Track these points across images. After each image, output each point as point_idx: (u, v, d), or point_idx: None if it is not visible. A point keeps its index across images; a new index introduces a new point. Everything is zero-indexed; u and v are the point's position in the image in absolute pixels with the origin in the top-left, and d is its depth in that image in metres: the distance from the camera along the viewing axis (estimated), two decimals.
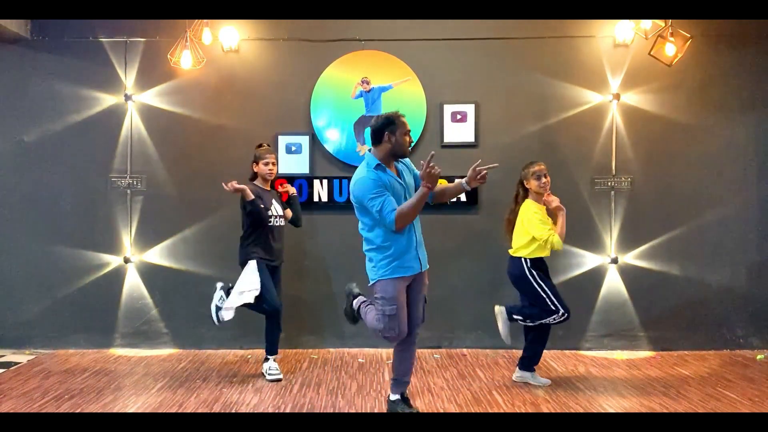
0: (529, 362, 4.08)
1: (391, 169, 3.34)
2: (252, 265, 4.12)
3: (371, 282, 3.33)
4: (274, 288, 4.19)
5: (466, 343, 4.91)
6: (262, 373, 4.23)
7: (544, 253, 4.00)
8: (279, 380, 4.14)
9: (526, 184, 4.04)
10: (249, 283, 4.08)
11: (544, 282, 3.95)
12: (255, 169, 4.27)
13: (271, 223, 4.20)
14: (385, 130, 3.29)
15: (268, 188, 4.30)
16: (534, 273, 3.95)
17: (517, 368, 4.13)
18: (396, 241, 3.24)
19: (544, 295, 3.93)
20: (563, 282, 4.95)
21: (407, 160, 3.48)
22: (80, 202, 4.98)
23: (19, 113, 4.97)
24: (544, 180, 3.97)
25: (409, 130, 3.38)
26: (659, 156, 4.97)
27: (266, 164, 4.22)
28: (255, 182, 4.28)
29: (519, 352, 4.82)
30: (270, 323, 4.18)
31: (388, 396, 3.51)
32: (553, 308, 3.92)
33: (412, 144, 3.39)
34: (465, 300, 4.88)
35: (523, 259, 3.97)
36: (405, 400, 3.47)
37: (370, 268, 3.33)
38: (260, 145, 4.33)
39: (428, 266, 3.41)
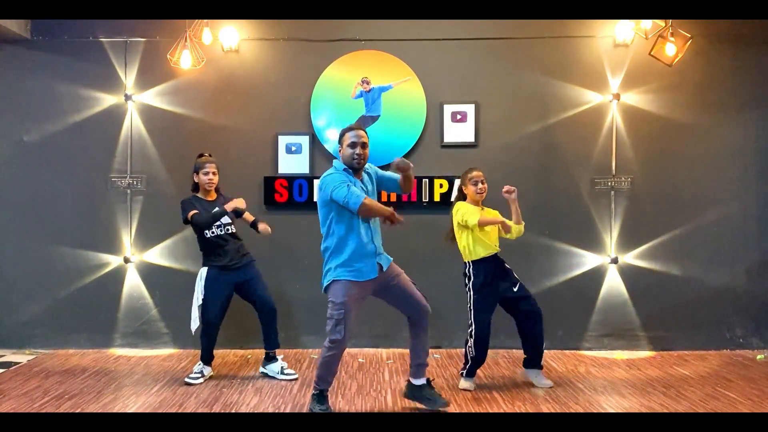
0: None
1: (357, 177, 3.44)
2: (200, 273, 4.17)
3: (323, 285, 3.45)
4: (222, 301, 4.13)
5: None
6: (264, 374, 4.23)
7: (486, 252, 3.90)
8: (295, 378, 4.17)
9: (465, 190, 3.99)
10: (196, 293, 4.16)
11: (475, 293, 3.91)
12: (195, 179, 4.18)
13: (215, 233, 4.10)
14: (338, 142, 3.47)
15: (211, 198, 4.19)
16: (471, 279, 3.92)
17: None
18: (351, 246, 3.35)
19: (469, 306, 3.95)
20: (563, 282, 4.95)
21: (373, 167, 3.56)
22: (80, 202, 4.98)
23: (19, 113, 4.97)
24: (480, 186, 3.91)
25: (355, 143, 3.35)
26: (659, 156, 4.97)
27: (206, 174, 4.12)
28: (197, 194, 4.19)
29: (519, 352, 4.84)
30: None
31: (409, 381, 3.58)
32: (470, 323, 3.91)
33: (361, 156, 3.35)
34: (465, 300, 4.87)
35: (466, 264, 3.96)
36: (429, 383, 3.56)
37: (325, 271, 3.45)
38: (200, 155, 4.22)
39: (391, 260, 3.51)
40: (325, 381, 3.47)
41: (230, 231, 4.19)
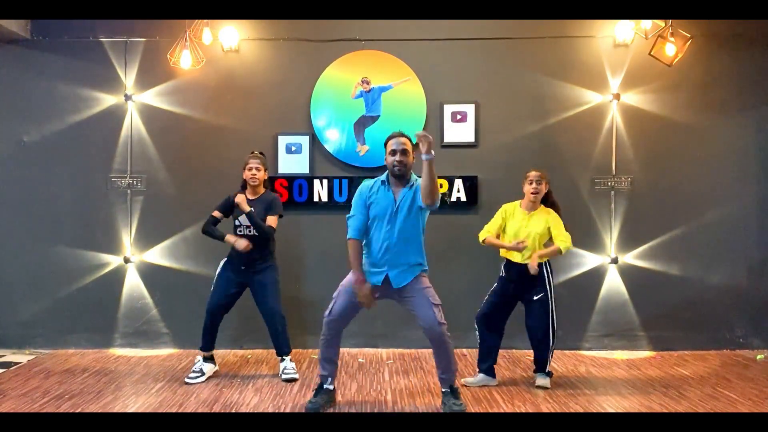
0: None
1: (396, 187, 3.47)
2: (221, 263, 4.30)
3: None
4: (226, 292, 4.19)
5: (466, 343, 4.89)
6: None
7: (513, 257, 4.03)
8: (294, 380, 4.15)
9: (523, 188, 4.08)
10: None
11: (492, 289, 4.12)
12: (243, 176, 4.24)
13: (241, 233, 4.18)
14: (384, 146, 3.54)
15: (254, 195, 4.22)
16: (500, 277, 4.12)
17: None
18: (367, 248, 3.53)
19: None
20: (563, 282, 4.95)
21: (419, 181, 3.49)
22: (80, 202, 4.98)
23: (19, 113, 4.97)
24: (535, 186, 4.00)
25: (395, 150, 3.41)
26: (659, 156, 4.97)
27: (249, 169, 4.18)
28: (245, 190, 4.25)
29: (519, 352, 4.84)
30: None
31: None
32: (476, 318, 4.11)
33: (402, 163, 3.41)
34: (465, 300, 4.87)
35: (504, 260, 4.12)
36: (453, 392, 3.56)
37: None
38: (252, 152, 4.31)
39: (407, 281, 3.47)
40: (321, 366, 3.62)
41: (251, 233, 4.17)
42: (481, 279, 4.93)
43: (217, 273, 4.27)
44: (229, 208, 4.24)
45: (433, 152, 3.25)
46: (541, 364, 4.04)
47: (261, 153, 4.33)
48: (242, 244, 4.09)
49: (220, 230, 4.20)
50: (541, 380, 4.01)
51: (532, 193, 3.98)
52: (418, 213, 3.47)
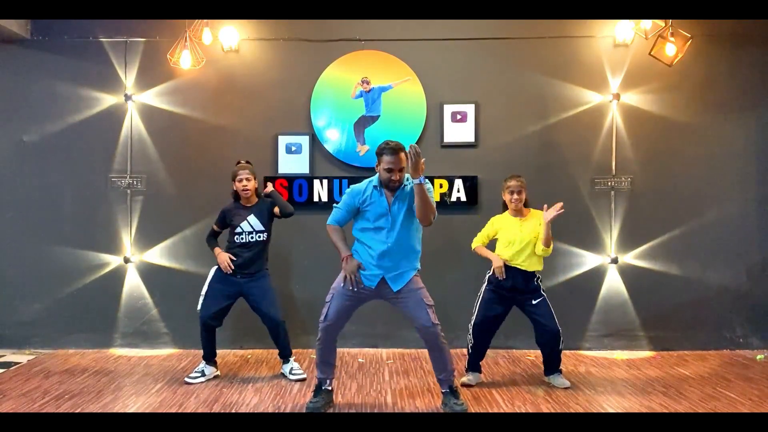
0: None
1: (388, 193, 3.46)
2: (212, 270, 4.26)
3: None
4: (219, 305, 4.15)
5: (465, 343, 4.90)
6: (282, 374, 4.26)
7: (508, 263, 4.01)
8: (303, 379, 4.15)
9: (503, 196, 4.09)
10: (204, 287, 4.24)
11: (482, 296, 4.08)
12: (233, 187, 4.25)
13: (242, 240, 4.19)
14: (375, 155, 3.47)
15: (249, 204, 4.24)
16: (485, 284, 4.10)
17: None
18: (361, 249, 3.53)
19: (478, 296, 4.12)
20: (563, 282, 4.95)
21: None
22: (80, 202, 4.98)
23: (19, 113, 4.97)
24: (516, 196, 3.99)
25: (391, 169, 3.34)
26: (659, 156, 4.97)
27: (240, 181, 4.18)
28: (238, 201, 4.25)
29: (519, 352, 4.84)
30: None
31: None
32: (474, 312, 4.08)
33: (398, 180, 3.38)
34: (465, 300, 4.85)
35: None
36: (453, 392, 3.54)
37: None
38: (238, 162, 4.28)
39: (404, 283, 3.47)
40: (319, 369, 3.59)
41: (260, 239, 4.20)
42: (480, 279, 4.92)
43: (208, 281, 4.21)
44: (225, 220, 4.26)
45: (422, 177, 3.26)
46: (555, 364, 4.03)
47: (248, 162, 4.30)
48: (223, 258, 4.15)
49: (216, 242, 4.32)
50: (560, 380, 4.01)
51: (513, 202, 3.99)
52: (413, 216, 3.45)
